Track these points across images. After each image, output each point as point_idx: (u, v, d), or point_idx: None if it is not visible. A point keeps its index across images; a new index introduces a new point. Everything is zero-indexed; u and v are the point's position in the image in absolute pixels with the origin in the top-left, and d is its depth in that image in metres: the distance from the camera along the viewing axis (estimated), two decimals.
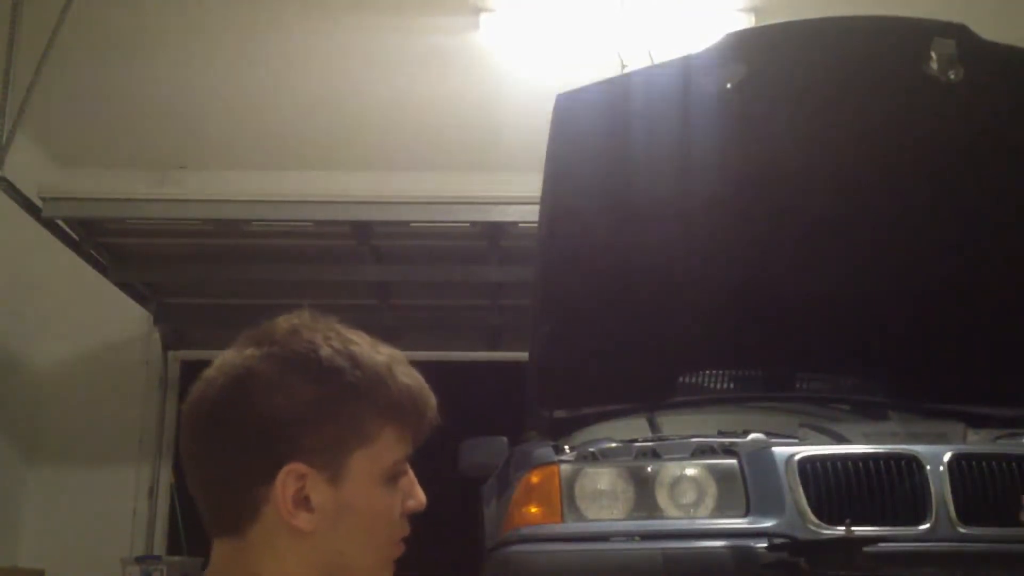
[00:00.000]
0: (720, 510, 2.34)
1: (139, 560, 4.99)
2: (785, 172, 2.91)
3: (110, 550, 5.11)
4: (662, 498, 2.36)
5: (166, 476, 5.58)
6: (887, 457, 2.32)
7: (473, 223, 4.72)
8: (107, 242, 4.94)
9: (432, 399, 1.13)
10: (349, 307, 4.42)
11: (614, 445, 2.57)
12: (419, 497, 1.13)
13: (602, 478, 2.38)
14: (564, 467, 2.40)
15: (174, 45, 4.71)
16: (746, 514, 2.30)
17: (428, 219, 4.76)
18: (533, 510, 2.40)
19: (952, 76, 2.59)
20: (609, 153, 2.88)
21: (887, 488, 2.28)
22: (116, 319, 5.66)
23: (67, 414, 5.59)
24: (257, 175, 5.52)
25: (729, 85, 2.67)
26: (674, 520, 2.33)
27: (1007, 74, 2.68)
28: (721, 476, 2.37)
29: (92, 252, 4.93)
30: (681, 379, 3.34)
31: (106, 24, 4.51)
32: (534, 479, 2.43)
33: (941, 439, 2.59)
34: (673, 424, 3.07)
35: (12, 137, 3.95)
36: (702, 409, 3.29)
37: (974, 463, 2.30)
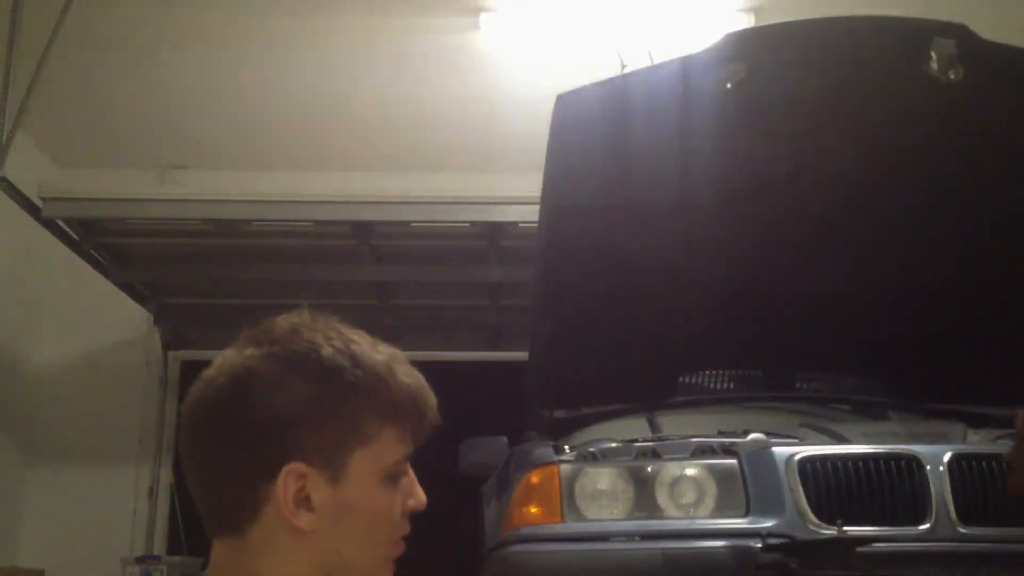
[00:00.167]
0: (720, 510, 2.34)
1: (139, 560, 5.00)
2: (785, 172, 2.91)
3: (110, 550, 5.11)
4: (662, 498, 2.36)
5: (166, 476, 5.58)
6: (887, 457, 2.32)
7: (473, 223, 4.72)
8: (107, 242, 4.94)
9: (432, 399, 1.13)
10: (349, 307, 4.42)
11: (614, 445, 2.57)
12: (419, 497, 1.13)
13: (602, 478, 2.38)
14: (564, 467, 2.40)
15: (174, 45, 4.71)
16: (746, 514, 2.30)
17: (428, 219, 4.76)
18: (533, 510, 2.40)
19: (952, 76, 2.59)
20: (609, 153, 2.88)
21: (887, 488, 2.28)
22: (116, 319, 5.66)
23: (67, 414, 5.59)
24: (257, 175, 5.52)
25: (729, 85, 2.67)
26: (674, 520, 2.33)
27: (1007, 74, 2.68)
28: (721, 476, 2.37)
29: (92, 252, 4.93)
30: (681, 379, 3.35)
31: (106, 24, 4.50)
32: (534, 479, 2.43)
33: (941, 439, 2.59)
34: (673, 424, 3.07)
35: (12, 137, 3.95)
36: (702, 409, 3.29)
37: (974, 463, 2.30)
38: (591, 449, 2.53)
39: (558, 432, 3.00)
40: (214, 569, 1.07)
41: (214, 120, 5.36)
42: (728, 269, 3.08)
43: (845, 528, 2.17)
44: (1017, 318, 3.07)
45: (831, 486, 2.28)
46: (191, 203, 4.72)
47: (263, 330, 1.09)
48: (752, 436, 2.57)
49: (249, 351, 1.07)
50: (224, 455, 1.05)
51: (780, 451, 2.35)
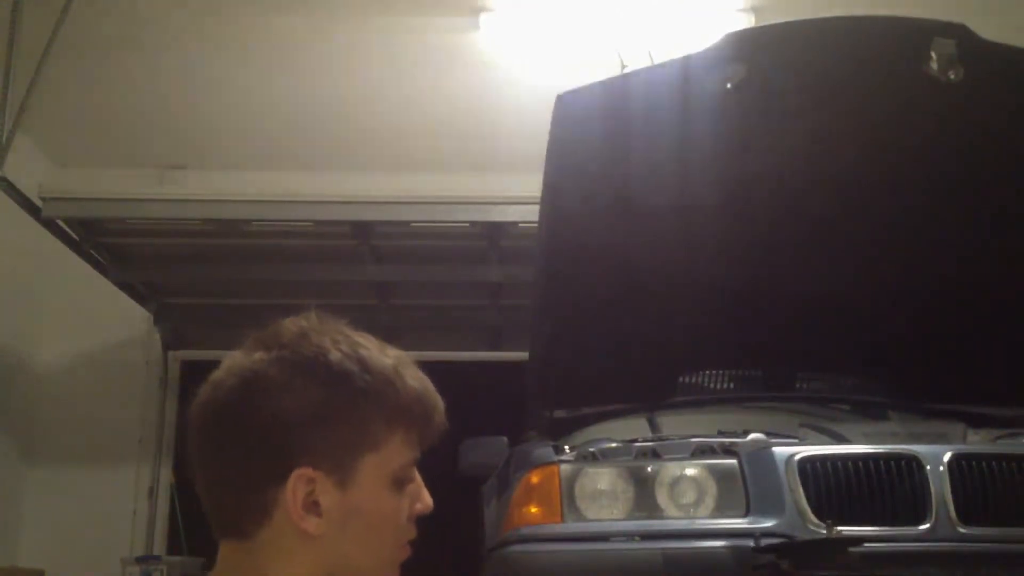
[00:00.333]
0: (720, 510, 2.33)
1: (139, 560, 5.00)
2: (785, 172, 2.91)
3: (110, 550, 5.11)
4: (662, 498, 2.35)
5: (166, 476, 5.58)
6: (887, 457, 2.32)
7: (473, 223, 4.72)
8: (107, 242, 4.94)
9: (440, 403, 1.13)
10: (349, 307, 4.41)
11: (614, 445, 2.57)
12: (426, 501, 1.14)
13: (602, 478, 2.38)
14: (564, 467, 2.40)
15: (174, 45, 4.71)
16: (746, 514, 2.30)
17: (428, 219, 4.76)
18: (533, 510, 2.40)
19: (952, 76, 2.59)
20: (609, 153, 2.88)
21: (887, 488, 2.28)
22: (116, 319, 5.66)
23: (67, 414, 5.59)
24: (257, 175, 5.52)
25: (729, 85, 2.67)
26: (674, 520, 2.33)
27: (1007, 74, 2.68)
28: (721, 476, 2.37)
29: (92, 252, 4.94)
30: (681, 379, 3.34)
31: (106, 24, 4.51)
32: (534, 479, 2.43)
33: (941, 439, 2.59)
34: (673, 424, 3.07)
35: (12, 137, 3.95)
36: (702, 409, 3.29)
37: (974, 463, 2.30)
38: (591, 449, 2.53)
39: (558, 432, 3.00)
40: (220, 571, 1.07)
41: (214, 120, 5.37)
42: (728, 269, 3.08)
43: (838, 528, 2.16)
44: (1017, 318, 3.07)
45: (831, 486, 2.28)
46: (191, 203, 4.72)
47: (271, 333, 1.09)
48: (752, 436, 2.57)
49: (258, 355, 1.07)
50: (232, 458, 1.05)
51: (780, 451, 2.35)
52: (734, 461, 2.38)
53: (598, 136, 2.84)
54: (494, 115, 5.14)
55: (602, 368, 3.10)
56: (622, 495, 2.36)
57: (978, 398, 3.12)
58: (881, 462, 2.31)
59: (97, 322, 5.70)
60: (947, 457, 2.30)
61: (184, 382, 5.72)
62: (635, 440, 2.63)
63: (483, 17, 4.49)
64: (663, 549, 2.23)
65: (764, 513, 2.27)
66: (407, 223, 4.77)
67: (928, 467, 2.28)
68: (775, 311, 3.12)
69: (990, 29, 2.60)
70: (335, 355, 1.06)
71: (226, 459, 1.06)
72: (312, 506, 1.04)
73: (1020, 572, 2.22)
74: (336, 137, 5.47)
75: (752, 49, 2.70)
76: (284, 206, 4.68)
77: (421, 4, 4.45)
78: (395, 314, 5.45)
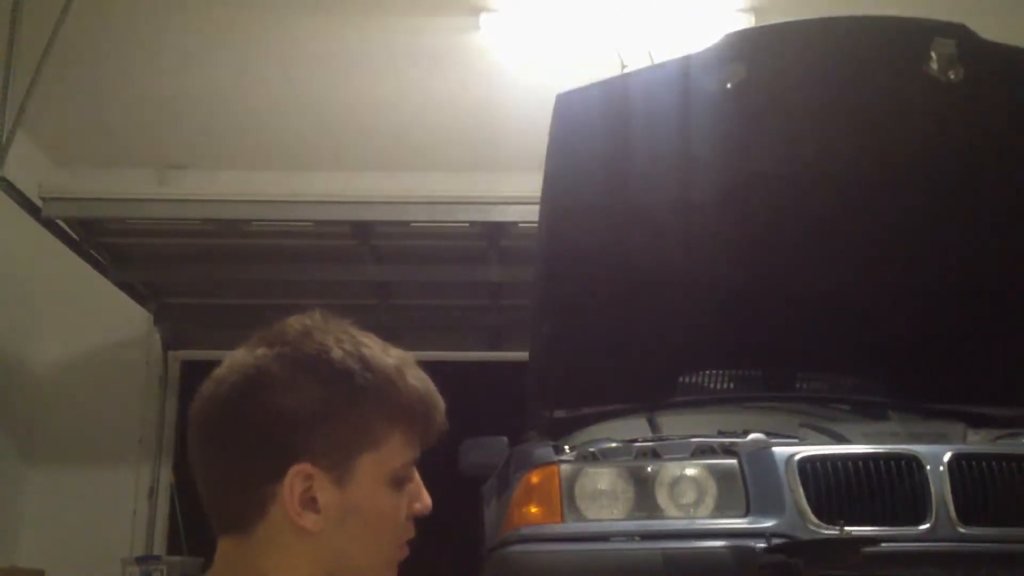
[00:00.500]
0: (720, 510, 2.33)
1: (139, 560, 4.99)
2: (785, 172, 2.91)
3: (110, 550, 5.11)
4: (662, 498, 2.36)
5: (166, 476, 5.58)
6: (887, 457, 2.32)
7: (473, 223, 4.72)
8: (107, 242, 4.94)
9: (441, 403, 1.13)
10: (349, 307, 4.41)
11: (614, 445, 2.57)
12: (425, 500, 1.14)
13: (602, 478, 2.38)
14: (564, 467, 2.40)
15: (174, 45, 4.71)
16: (746, 514, 2.30)
17: (428, 219, 4.76)
18: (533, 510, 2.40)
19: (952, 76, 2.59)
20: (609, 153, 2.88)
21: (887, 488, 2.28)
22: (116, 319, 5.66)
23: (67, 414, 5.59)
24: (257, 175, 5.52)
25: (729, 85, 2.67)
26: (674, 520, 2.33)
27: (1007, 74, 2.68)
28: (721, 476, 2.37)
29: (92, 252, 4.93)
30: (681, 379, 3.34)
31: (106, 24, 4.51)
32: (534, 479, 2.43)
33: (941, 439, 2.59)
34: (673, 424, 3.07)
35: (12, 137, 3.95)
36: (702, 409, 3.29)
37: (974, 463, 2.30)
38: (591, 449, 2.53)
39: (558, 432, 3.00)
40: (219, 567, 1.08)
41: (214, 120, 5.37)
42: (728, 269, 3.08)
43: (847, 528, 2.16)
44: (1017, 318, 3.07)
45: (831, 486, 2.28)
46: (191, 203, 4.71)
47: (275, 331, 1.10)
48: (752, 436, 2.57)
49: (260, 351, 1.07)
50: (232, 454, 1.06)
51: (780, 451, 2.35)
52: (734, 461, 2.38)
53: (598, 136, 2.84)
54: (494, 115, 5.13)
55: (602, 368, 3.10)
56: (622, 495, 2.36)
57: (978, 398, 3.12)
58: (881, 462, 2.31)
59: (97, 322, 5.70)
60: (947, 457, 2.30)
61: (184, 382, 5.72)
62: (635, 440, 2.64)
63: (483, 17, 4.49)
64: (663, 549, 2.23)
65: (764, 513, 2.28)
66: (407, 223, 4.77)
67: (928, 467, 2.28)
68: (775, 311, 3.11)
69: (990, 29, 2.60)
70: (337, 353, 1.07)
71: (226, 455, 1.06)
72: (310, 502, 1.04)
73: (1020, 572, 2.22)
74: (336, 137, 5.47)
75: (752, 49, 2.70)
76: (284, 206, 4.68)
77: (421, 4, 4.45)
78: (395, 314, 5.45)
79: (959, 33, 2.57)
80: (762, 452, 2.38)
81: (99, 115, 5.30)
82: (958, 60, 2.57)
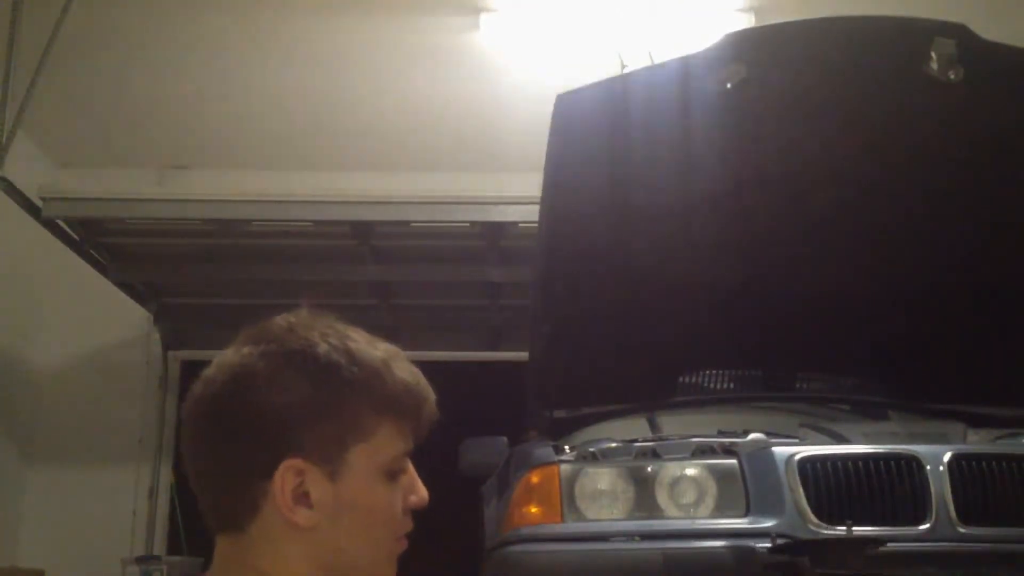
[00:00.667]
0: (720, 510, 2.33)
1: (139, 560, 5.00)
2: (785, 172, 2.91)
3: (110, 550, 5.11)
4: (662, 498, 2.36)
5: (166, 476, 5.58)
6: (887, 457, 2.32)
7: (473, 223, 4.72)
8: (107, 242, 4.94)
9: (430, 394, 1.13)
10: (349, 307, 4.42)
11: (614, 445, 2.57)
12: (421, 493, 1.14)
13: (602, 478, 2.38)
14: (564, 467, 2.40)
15: (174, 45, 4.71)
16: (746, 514, 2.30)
17: (428, 219, 4.76)
18: (533, 510, 2.40)
19: (952, 76, 2.59)
20: (609, 153, 2.88)
21: (887, 488, 2.28)
22: (116, 319, 5.66)
23: (67, 414, 5.59)
24: (257, 175, 5.52)
25: (729, 85, 2.66)
26: (674, 520, 2.33)
27: (1007, 74, 2.68)
28: (721, 476, 2.37)
29: (92, 252, 4.93)
30: (681, 379, 3.34)
31: (106, 24, 4.51)
32: (534, 479, 2.43)
33: (941, 439, 2.59)
34: (673, 424, 3.07)
35: (12, 137, 3.95)
36: (702, 409, 3.29)
37: (974, 463, 2.30)
38: (591, 449, 2.53)
39: (558, 432, 3.00)
40: (216, 565, 1.08)
41: (214, 120, 5.37)
42: (728, 269, 3.08)
43: (852, 528, 2.16)
44: (1017, 318, 3.07)
45: (831, 486, 2.28)
46: (191, 203, 4.71)
47: (260, 329, 1.10)
48: (752, 436, 2.57)
49: (246, 350, 1.08)
50: (223, 452, 1.06)
51: (780, 451, 2.35)
52: (734, 461, 2.38)
53: (598, 136, 2.84)
54: (494, 115, 5.14)
55: (602, 368, 3.10)
56: (622, 495, 2.36)
57: (978, 398, 3.12)
58: (881, 462, 2.31)
59: (97, 322, 5.70)
60: (947, 457, 2.30)
61: (184, 382, 5.71)
62: (635, 440, 2.63)
63: (483, 17, 4.50)
64: (663, 549, 2.23)
65: (764, 513, 2.28)
66: (407, 223, 4.77)
67: (928, 467, 2.28)
68: (775, 311, 3.11)
69: (990, 29, 2.60)
70: (323, 348, 1.07)
71: (218, 453, 1.07)
72: (302, 498, 1.04)
73: (1020, 572, 2.22)
74: (336, 137, 5.47)
75: (752, 49, 2.70)
76: (284, 206, 4.68)
77: (421, 4, 4.45)
78: (395, 314, 5.45)
79: (959, 33, 2.57)
80: (762, 452, 2.38)
81: (99, 115, 5.31)
82: (958, 60, 2.57)
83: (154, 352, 5.72)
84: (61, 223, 4.65)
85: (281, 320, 1.11)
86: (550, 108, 2.72)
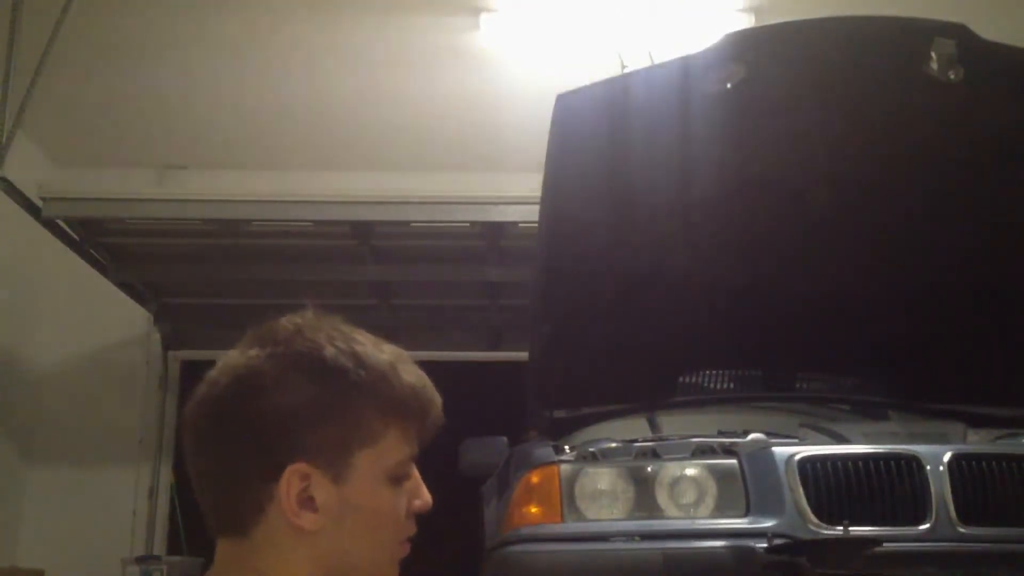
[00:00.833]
0: (720, 510, 2.34)
1: (139, 560, 4.99)
2: (785, 172, 2.91)
3: (110, 550, 5.11)
4: (662, 498, 2.36)
5: (166, 476, 5.58)
6: (887, 457, 2.32)
7: (473, 223, 4.72)
8: (107, 242, 4.94)
9: (436, 398, 1.13)
10: (349, 307, 4.41)
11: (614, 445, 2.57)
12: (425, 497, 1.13)
13: (602, 478, 2.38)
14: (564, 467, 2.40)
15: (174, 45, 4.71)
16: (746, 514, 2.30)
17: (428, 219, 4.76)
18: (533, 510, 2.40)
19: (952, 76, 2.58)
20: (609, 153, 2.88)
21: (887, 488, 2.28)
22: (116, 319, 5.66)
23: (67, 414, 5.59)
24: (257, 175, 5.52)
25: (729, 85, 2.66)
26: (674, 520, 2.33)
27: (1007, 74, 2.68)
28: (721, 476, 2.37)
29: (92, 252, 4.93)
30: (681, 379, 3.34)
31: (106, 24, 4.51)
32: (534, 479, 2.43)
33: (941, 439, 2.59)
34: (673, 424, 3.07)
35: (12, 137, 3.95)
36: (702, 409, 3.29)
37: (974, 463, 2.30)
38: (591, 449, 2.53)
39: (558, 432, 3.00)
40: (218, 569, 1.08)
41: (214, 120, 5.37)
42: (728, 269, 3.08)
43: (850, 528, 2.16)
44: (1017, 318, 3.07)
45: (831, 486, 2.28)
46: (191, 203, 4.71)
47: (266, 330, 1.09)
48: (752, 436, 2.57)
49: (252, 351, 1.07)
50: (227, 455, 1.06)
51: (780, 451, 2.35)
52: (734, 461, 2.38)
53: (598, 136, 2.84)
54: (494, 115, 5.14)
55: (602, 368, 3.10)
56: (622, 495, 2.36)
57: (978, 398, 3.12)
58: (881, 462, 2.31)
59: (97, 322, 5.70)
60: (947, 457, 2.30)
61: (184, 382, 5.72)
62: (635, 440, 2.64)
63: (483, 17, 4.49)
64: (663, 549, 2.23)
65: (764, 513, 2.28)
66: (407, 223, 4.77)
67: (928, 467, 2.28)
68: (775, 311, 3.11)
69: (990, 29, 2.60)
70: (330, 351, 1.06)
71: (222, 456, 1.06)
72: (307, 502, 1.04)
73: (1020, 572, 2.22)
74: (336, 137, 5.47)
75: (752, 49, 2.70)
76: (284, 206, 4.68)
77: (421, 4, 4.45)
78: (395, 314, 5.45)
79: (959, 33, 2.57)
80: (762, 452, 2.38)
81: (99, 115, 5.30)
82: (958, 60, 2.56)
83: (154, 352, 5.71)
84: (61, 223, 4.65)
85: (287, 322, 1.10)
86: (550, 108, 2.72)
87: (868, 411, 3.28)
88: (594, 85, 2.78)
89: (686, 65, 2.70)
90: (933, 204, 2.95)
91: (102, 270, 5.05)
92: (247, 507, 1.05)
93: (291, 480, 1.03)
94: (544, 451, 2.55)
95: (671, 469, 2.38)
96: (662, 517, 2.33)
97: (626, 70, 3.77)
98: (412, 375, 1.11)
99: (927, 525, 2.22)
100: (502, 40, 4.64)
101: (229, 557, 1.07)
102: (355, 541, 1.07)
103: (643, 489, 2.36)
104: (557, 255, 2.95)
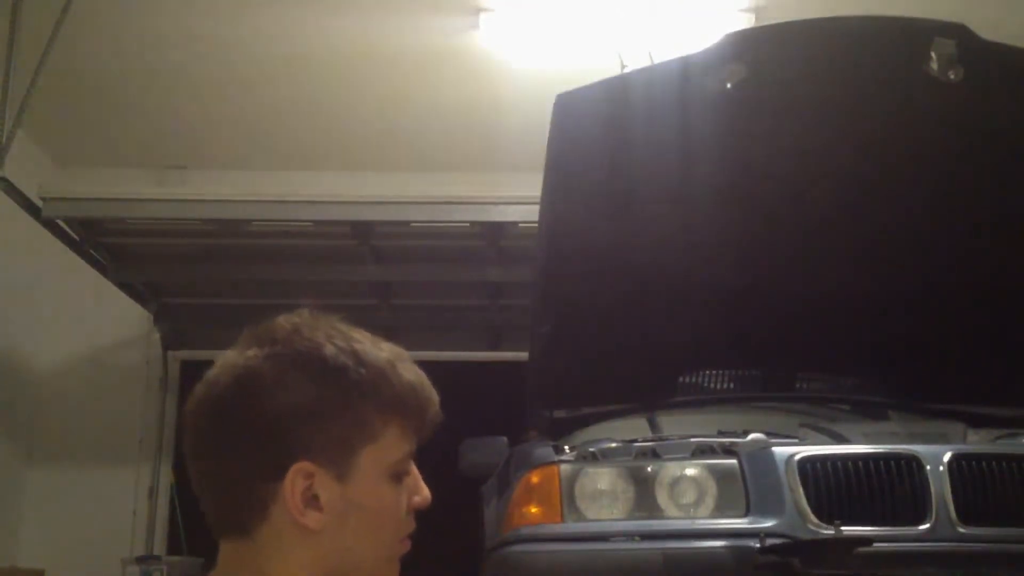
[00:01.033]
0: (720, 510, 2.34)
1: (139, 560, 5.00)
2: (785, 172, 2.91)
3: (110, 550, 5.11)
4: (662, 498, 2.36)
5: (166, 476, 5.58)
6: (887, 457, 2.32)
7: (473, 223, 4.72)
8: (107, 242, 4.94)
9: (434, 395, 1.13)
10: (349, 307, 4.40)
11: (614, 445, 2.57)
12: (424, 493, 1.14)
13: (602, 478, 2.38)
14: (564, 467, 2.40)
15: (174, 45, 4.71)
16: (746, 514, 2.30)
17: (428, 219, 4.76)
18: (533, 510, 2.40)
19: (952, 76, 2.58)
20: (609, 153, 2.88)
21: (887, 488, 2.28)
22: (116, 319, 5.66)
23: (67, 414, 5.59)
24: (257, 175, 5.52)
25: (729, 85, 2.66)
26: (674, 520, 2.33)
27: (1007, 74, 2.68)
28: (721, 476, 2.37)
29: (92, 252, 4.93)
30: (681, 379, 3.34)
31: (106, 24, 4.51)
32: (534, 479, 2.43)
33: (941, 439, 2.59)
34: (673, 424, 3.07)
35: (12, 137, 3.95)
36: (702, 409, 3.29)
37: (974, 463, 2.30)
38: (591, 449, 2.53)
39: (558, 432, 3.00)
40: (221, 570, 1.07)
41: (214, 120, 5.37)
42: (728, 269, 3.08)
43: (843, 528, 2.17)
44: (1017, 318, 3.07)
45: (831, 486, 2.28)
46: (191, 203, 4.71)
47: (265, 330, 1.09)
48: (752, 436, 2.57)
49: (251, 352, 1.07)
50: (229, 456, 1.05)
51: (780, 451, 2.35)
52: (734, 461, 2.38)
53: (598, 136, 2.84)
54: (494, 115, 5.14)
55: (602, 368, 3.10)
56: (622, 495, 2.36)
57: (978, 398, 3.12)
58: (881, 462, 2.31)
59: (97, 322, 5.70)
60: (947, 457, 2.30)
61: (184, 382, 5.71)
62: (635, 440, 2.64)
63: (483, 17, 4.49)
64: (663, 549, 2.23)
65: (764, 513, 2.28)
66: (407, 223, 4.77)
67: (928, 467, 2.28)
68: (775, 311, 3.11)
69: (990, 29, 2.60)
70: (329, 349, 1.06)
71: (223, 457, 1.06)
72: (312, 500, 1.04)
73: (1020, 572, 2.22)
74: (336, 137, 5.47)
75: (752, 49, 2.70)
76: (284, 206, 4.68)
77: (421, 4, 4.45)
78: (395, 314, 5.45)
79: (959, 33, 2.57)
80: (762, 452, 2.38)
81: (99, 115, 5.30)
82: (958, 60, 2.56)
83: (154, 352, 5.71)
84: (61, 223, 4.65)
85: (285, 321, 1.10)
86: (550, 108, 2.72)
87: (868, 411, 3.28)
88: (594, 85, 2.77)
89: (686, 65, 2.70)
90: (933, 204, 2.95)
91: (102, 270, 5.05)
92: (250, 507, 1.05)
93: (295, 479, 1.03)
94: (544, 451, 2.55)
95: (671, 469, 2.38)
96: (662, 517, 2.33)
97: (626, 70, 3.77)
98: (411, 373, 1.11)
99: (927, 525, 2.22)
100: (502, 40, 4.64)
101: (232, 558, 1.07)
102: (358, 539, 1.07)
103: (643, 489, 2.36)
104: (557, 255, 2.95)
